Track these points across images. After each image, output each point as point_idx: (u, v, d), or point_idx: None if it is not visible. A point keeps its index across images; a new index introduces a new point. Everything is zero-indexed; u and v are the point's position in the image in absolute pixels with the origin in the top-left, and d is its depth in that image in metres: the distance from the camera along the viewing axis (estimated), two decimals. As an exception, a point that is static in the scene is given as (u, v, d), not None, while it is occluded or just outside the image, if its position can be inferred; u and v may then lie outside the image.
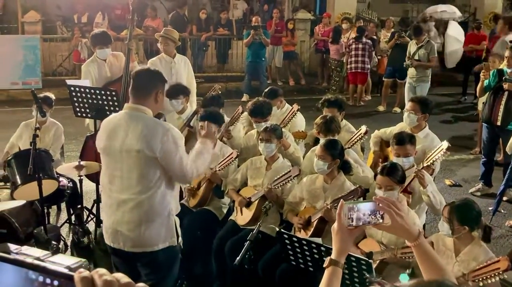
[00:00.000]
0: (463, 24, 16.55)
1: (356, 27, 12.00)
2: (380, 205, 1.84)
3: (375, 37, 12.27)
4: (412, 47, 9.90)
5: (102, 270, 0.92)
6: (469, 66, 12.48)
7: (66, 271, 0.91)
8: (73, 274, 0.90)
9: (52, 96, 5.84)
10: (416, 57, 9.69)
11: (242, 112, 5.24)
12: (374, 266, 3.27)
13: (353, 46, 11.50)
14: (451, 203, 3.57)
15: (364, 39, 11.51)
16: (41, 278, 0.90)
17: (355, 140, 4.79)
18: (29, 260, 0.93)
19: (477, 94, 7.56)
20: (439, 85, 12.61)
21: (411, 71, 9.76)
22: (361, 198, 4.01)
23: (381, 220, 1.85)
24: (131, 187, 3.36)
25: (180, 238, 3.61)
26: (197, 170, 3.47)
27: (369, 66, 11.66)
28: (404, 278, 3.15)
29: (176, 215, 3.57)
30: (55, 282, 0.90)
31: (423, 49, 9.69)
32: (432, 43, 9.88)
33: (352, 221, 1.85)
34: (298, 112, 5.33)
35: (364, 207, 1.86)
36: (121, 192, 3.40)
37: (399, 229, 1.86)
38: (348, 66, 11.66)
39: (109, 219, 3.49)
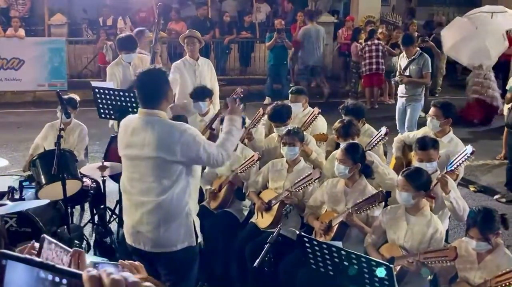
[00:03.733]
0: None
1: (368, 31, 11.94)
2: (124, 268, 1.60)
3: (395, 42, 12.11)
4: (402, 60, 8.10)
5: (110, 269, 0.93)
6: (497, 70, 12.29)
7: (74, 269, 0.92)
8: (81, 272, 0.91)
9: (77, 97, 5.93)
10: (407, 73, 7.91)
11: (263, 114, 5.25)
12: (395, 271, 3.25)
13: (366, 48, 11.46)
14: (476, 209, 3.50)
15: (376, 40, 11.47)
16: (50, 277, 0.91)
17: (376, 142, 4.75)
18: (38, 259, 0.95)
19: (506, 102, 7.44)
20: (464, 89, 12.41)
21: (401, 89, 8.05)
22: (383, 203, 3.98)
23: None
24: (149, 189, 3.40)
25: (200, 239, 3.63)
26: (227, 152, 3.50)
27: (383, 67, 11.57)
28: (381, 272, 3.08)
29: (197, 216, 3.58)
30: (64, 281, 0.91)
31: (414, 63, 7.88)
32: (425, 56, 7.98)
33: None
34: (320, 115, 5.32)
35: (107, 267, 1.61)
36: (140, 195, 3.44)
37: None
38: (364, 69, 11.58)
39: (129, 220, 3.54)
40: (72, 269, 0.94)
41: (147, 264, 3.53)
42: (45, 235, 1.28)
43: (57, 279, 0.91)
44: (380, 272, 3.04)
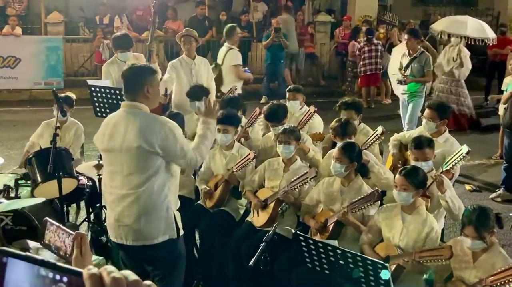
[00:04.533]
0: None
1: (364, 31, 11.96)
2: None
3: (399, 42, 12.10)
4: (404, 58, 8.05)
5: (110, 267, 0.92)
6: (493, 70, 12.34)
7: (75, 268, 0.92)
8: (82, 270, 0.91)
9: (73, 96, 5.91)
10: (409, 71, 7.90)
11: (259, 113, 5.25)
12: (391, 271, 3.25)
13: (366, 48, 11.48)
14: (471, 207, 3.51)
15: (375, 41, 11.49)
16: (51, 275, 0.91)
17: (372, 141, 4.76)
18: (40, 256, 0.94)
19: (502, 101, 7.46)
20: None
21: (402, 86, 8.10)
22: (378, 202, 3.99)
23: None
24: (130, 182, 3.44)
25: (181, 232, 3.65)
26: (201, 155, 3.63)
27: (381, 66, 11.60)
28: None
29: (194, 216, 3.59)
30: (64, 278, 0.90)
31: (416, 61, 7.87)
32: (426, 54, 7.99)
33: None
34: (316, 113, 5.32)
35: None
36: (121, 188, 3.48)
37: None
38: (362, 69, 11.60)
39: (112, 215, 3.57)
40: (73, 267, 0.93)
41: (133, 261, 3.59)
42: (47, 218, 1.28)
43: (57, 276, 0.91)
44: (385, 274, 3.04)
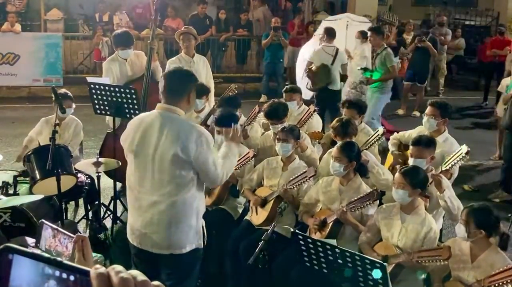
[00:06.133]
0: (486, 29, 16.37)
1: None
2: None
3: (394, 42, 12.08)
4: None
5: (118, 267, 0.90)
6: (491, 71, 12.35)
7: (83, 266, 0.91)
8: (89, 269, 0.89)
9: (69, 93, 5.88)
10: (372, 68, 8.03)
11: (258, 112, 5.25)
12: (389, 269, 3.26)
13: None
14: (469, 205, 3.54)
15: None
16: (57, 273, 0.89)
17: (372, 142, 4.76)
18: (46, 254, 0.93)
19: (503, 102, 7.46)
20: (460, 90, 12.50)
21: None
22: (377, 201, 3.99)
23: None
24: (162, 188, 3.34)
25: (205, 241, 3.59)
26: (226, 174, 3.53)
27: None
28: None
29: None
30: (71, 277, 0.89)
31: (378, 58, 7.99)
32: (388, 50, 8.04)
33: None
34: (315, 113, 5.32)
35: None
36: (151, 194, 3.37)
37: None
38: None
39: (138, 221, 3.46)
40: (80, 266, 0.91)
41: (147, 264, 3.50)
42: (43, 221, 1.24)
43: (64, 275, 0.88)
44: (376, 273, 3.04)
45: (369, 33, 8.36)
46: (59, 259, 0.90)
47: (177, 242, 3.41)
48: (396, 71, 8.35)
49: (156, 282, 0.92)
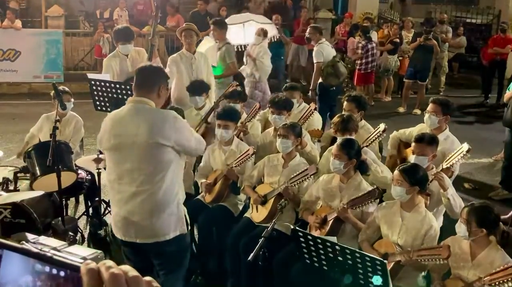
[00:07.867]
0: (487, 27, 16.35)
1: (360, 29, 11.94)
2: None
3: (397, 40, 12.07)
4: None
5: (109, 262, 0.89)
6: (493, 68, 12.33)
7: (72, 261, 0.89)
8: (80, 265, 0.88)
9: (67, 89, 5.87)
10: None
11: (259, 108, 5.25)
12: (389, 267, 3.26)
13: (360, 46, 11.45)
14: (470, 204, 3.53)
15: (370, 40, 11.51)
16: (47, 269, 0.88)
17: (373, 139, 4.75)
18: (45, 249, 0.92)
19: (505, 100, 7.44)
20: (461, 88, 12.48)
21: None
22: (378, 200, 3.98)
23: None
24: (142, 178, 3.38)
25: (189, 227, 3.64)
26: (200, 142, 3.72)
27: (375, 64, 11.65)
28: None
29: (192, 211, 3.59)
30: (61, 273, 0.88)
31: (220, 53, 7.54)
32: (228, 47, 7.57)
33: None
34: (315, 111, 5.32)
35: None
36: (131, 185, 3.41)
37: None
38: (362, 67, 11.55)
39: (119, 213, 3.49)
40: (70, 262, 0.89)
41: (139, 255, 3.55)
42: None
43: (54, 271, 0.88)
44: (376, 280, 3.04)
45: (212, 27, 7.71)
46: (49, 254, 0.88)
47: (160, 230, 3.44)
48: (236, 67, 7.81)
49: (148, 277, 0.91)
